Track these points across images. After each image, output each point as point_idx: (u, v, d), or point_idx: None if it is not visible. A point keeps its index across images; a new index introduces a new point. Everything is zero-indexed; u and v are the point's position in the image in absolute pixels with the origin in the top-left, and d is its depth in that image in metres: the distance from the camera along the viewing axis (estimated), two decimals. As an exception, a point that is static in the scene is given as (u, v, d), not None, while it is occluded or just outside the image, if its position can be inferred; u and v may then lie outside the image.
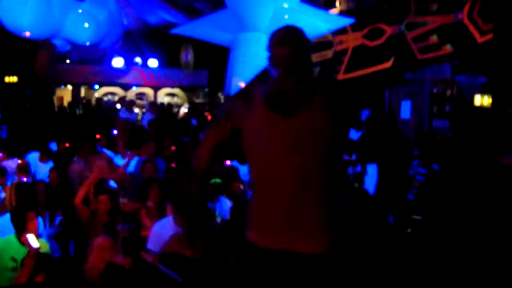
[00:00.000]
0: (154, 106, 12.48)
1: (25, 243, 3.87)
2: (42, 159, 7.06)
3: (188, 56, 14.61)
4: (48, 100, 16.00)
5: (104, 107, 14.48)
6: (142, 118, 11.62)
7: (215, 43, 5.23)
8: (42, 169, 6.75)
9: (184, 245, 3.79)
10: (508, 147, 4.66)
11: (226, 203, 5.56)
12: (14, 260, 4.00)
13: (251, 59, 4.67)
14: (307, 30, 4.32)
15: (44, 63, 8.37)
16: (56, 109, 13.30)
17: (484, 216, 3.79)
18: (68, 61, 15.61)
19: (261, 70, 4.81)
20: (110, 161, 6.93)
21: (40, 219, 4.70)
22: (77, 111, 13.99)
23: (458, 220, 4.25)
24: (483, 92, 7.68)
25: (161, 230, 4.36)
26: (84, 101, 16.19)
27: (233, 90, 4.75)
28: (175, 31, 5.32)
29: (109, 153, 7.62)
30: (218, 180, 5.76)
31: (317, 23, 4.34)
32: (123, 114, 11.68)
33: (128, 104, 12.63)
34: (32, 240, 3.84)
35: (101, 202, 4.74)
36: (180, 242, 3.85)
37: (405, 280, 3.88)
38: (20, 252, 4.00)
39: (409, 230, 5.22)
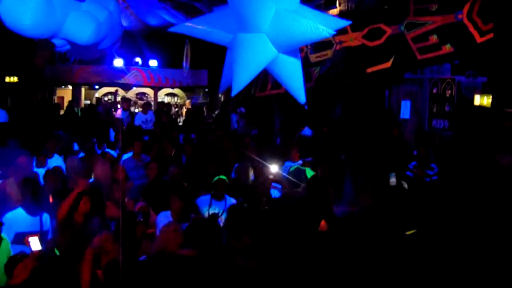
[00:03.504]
0: (147, 106, 12.41)
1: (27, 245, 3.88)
2: (39, 165, 6.92)
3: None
4: (49, 100, 16.08)
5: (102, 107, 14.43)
6: (135, 118, 11.52)
7: (214, 42, 5.23)
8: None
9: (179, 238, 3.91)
10: (508, 147, 4.67)
11: (231, 201, 5.59)
12: None
13: (250, 60, 4.67)
14: (308, 33, 4.33)
15: (42, 60, 8.38)
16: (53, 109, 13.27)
17: (483, 216, 3.80)
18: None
19: (260, 71, 4.81)
20: (113, 161, 6.98)
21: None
22: (76, 110, 13.99)
23: (457, 220, 4.26)
24: (483, 92, 7.69)
25: (164, 220, 4.66)
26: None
27: (234, 91, 4.74)
28: (173, 29, 5.30)
29: (111, 152, 7.68)
30: (224, 177, 5.71)
31: (318, 26, 4.34)
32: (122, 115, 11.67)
33: (124, 104, 12.51)
34: (34, 242, 3.84)
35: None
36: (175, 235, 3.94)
37: (406, 281, 3.89)
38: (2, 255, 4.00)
39: (409, 232, 5.22)
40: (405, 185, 6.36)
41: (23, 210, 4.84)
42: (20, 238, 4.58)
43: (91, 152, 7.52)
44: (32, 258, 3.74)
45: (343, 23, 4.96)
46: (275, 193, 6.24)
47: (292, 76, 4.96)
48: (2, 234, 4.21)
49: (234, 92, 4.63)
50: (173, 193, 4.94)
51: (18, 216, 4.79)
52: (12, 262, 3.76)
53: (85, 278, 3.57)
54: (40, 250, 3.82)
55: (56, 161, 7.06)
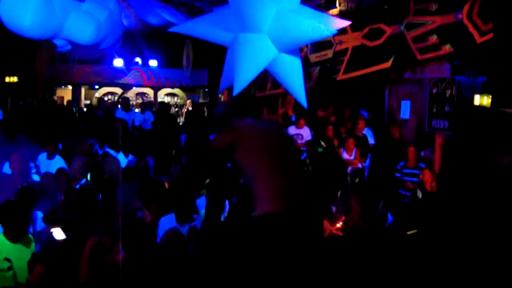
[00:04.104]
0: (144, 106, 12.45)
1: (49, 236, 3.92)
2: (49, 157, 7.10)
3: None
4: (49, 100, 16.07)
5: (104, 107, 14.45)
6: (134, 118, 11.56)
7: (214, 42, 5.23)
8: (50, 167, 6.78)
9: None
10: (507, 147, 4.67)
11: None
12: (8, 260, 3.95)
13: (251, 60, 4.68)
14: (308, 33, 4.35)
15: (43, 63, 8.38)
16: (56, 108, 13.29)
17: (483, 216, 3.80)
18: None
19: (260, 71, 4.82)
20: (116, 162, 7.01)
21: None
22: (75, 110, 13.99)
23: (457, 221, 4.26)
24: (483, 92, 7.69)
25: (164, 224, 4.61)
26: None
27: (235, 90, 4.75)
28: (174, 29, 5.31)
29: (112, 152, 7.69)
30: None
31: (319, 26, 4.35)
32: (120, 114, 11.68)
33: (124, 104, 12.54)
34: (58, 232, 3.87)
35: None
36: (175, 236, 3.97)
37: (405, 281, 3.89)
38: (13, 252, 3.97)
39: (410, 232, 5.21)
40: (419, 194, 6.32)
41: None
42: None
43: (89, 152, 7.53)
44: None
45: (343, 23, 4.97)
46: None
47: (293, 76, 4.97)
48: (30, 236, 4.23)
49: (236, 92, 4.65)
50: (176, 192, 4.94)
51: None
52: (34, 259, 3.82)
53: (83, 272, 3.59)
54: (64, 239, 3.85)
55: (58, 162, 7.08)
